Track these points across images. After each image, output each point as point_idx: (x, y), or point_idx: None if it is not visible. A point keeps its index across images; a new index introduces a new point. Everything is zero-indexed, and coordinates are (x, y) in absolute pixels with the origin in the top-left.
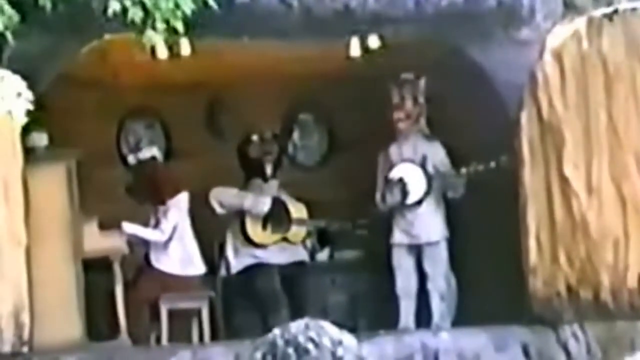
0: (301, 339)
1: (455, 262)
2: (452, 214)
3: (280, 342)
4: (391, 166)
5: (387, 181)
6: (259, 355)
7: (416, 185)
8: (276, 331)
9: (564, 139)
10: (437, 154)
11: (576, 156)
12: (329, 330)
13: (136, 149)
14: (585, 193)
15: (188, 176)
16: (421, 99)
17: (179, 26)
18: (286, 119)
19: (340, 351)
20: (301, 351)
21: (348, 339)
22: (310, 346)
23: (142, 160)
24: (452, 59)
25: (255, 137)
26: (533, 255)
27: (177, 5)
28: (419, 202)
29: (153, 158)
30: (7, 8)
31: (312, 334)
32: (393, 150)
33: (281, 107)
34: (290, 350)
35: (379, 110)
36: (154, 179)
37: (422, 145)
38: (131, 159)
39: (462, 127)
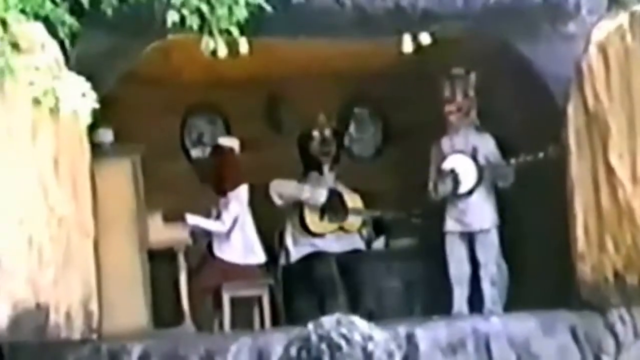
0: (334, 334)
1: (506, 249)
2: (503, 202)
3: (314, 338)
4: (443, 157)
5: (440, 172)
6: (294, 350)
7: (467, 175)
8: (310, 327)
9: (609, 129)
10: (487, 145)
11: (621, 146)
12: (360, 326)
13: (199, 142)
14: (630, 182)
15: (248, 169)
16: (471, 93)
17: (235, 31)
18: (342, 113)
19: (370, 346)
20: (334, 347)
21: (378, 334)
22: (343, 342)
23: (214, 150)
24: (501, 53)
25: (316, 134)
26: (581, 243)
27: (231, 11)
28: (471, 192)
29: (217, 149)
30: (68, 17)
31: (344, 330)
32: (445, 142)
33: (337, 101)
34: (324, 346)
35: (430, 104)
36: (220, 169)
37: (472, 137)
38: (195, 153)
39: (511, 119)
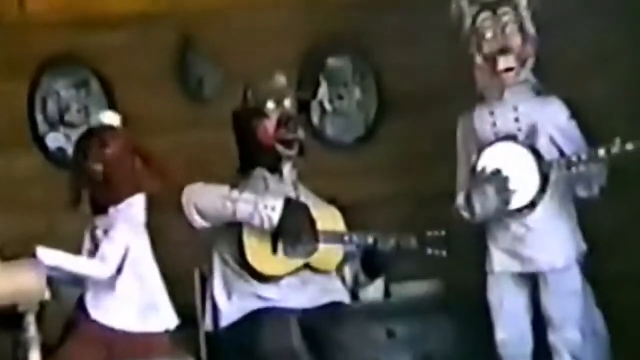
0: None
1: (600, 294)
2: (586, 219)
3: None
4: (480, 145)
5: (475, 172)
6: None
7: (524, 178)
8: None
9: None
10: (558, 123)
11: None
12: None
13: (61, 122)
14: None
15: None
16: (530, 28)
17: None
18: (306, 68)
19: None
20: None
21: None
22: None
23: (87, 134)
24: None
25: (270, 105)
26: None
27: None
28: (531, 206)
29: (93, 133)
30: None
31: None
32: (481, 117)
33: (298, 47)
34: None
35: (452, 49)
36: (85, 163)
37: (530, 109)
38: (53, 140)
39: (597, 77)
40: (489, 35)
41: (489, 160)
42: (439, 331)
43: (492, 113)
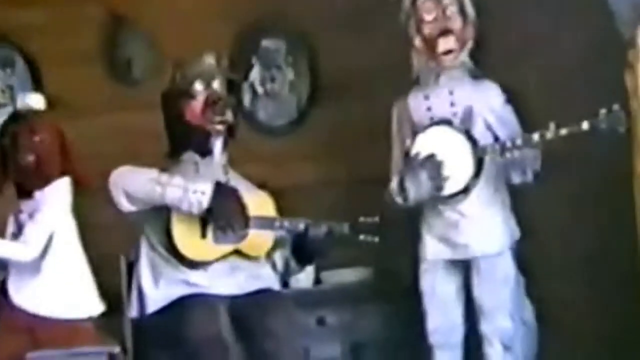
0: None
1: (531, 282)
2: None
3: None
4: (415, 129)
5: (409, 157)
6: None
7: (459, 163)
8: None
9: None
10: (493, 107)
11: None
12: None
13: None
14: None
15: (77, 149)
16: (471, 11)
17: None
18: (240, 49)
19: None
20: None
21: None
22: None
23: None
24: None
25: (198, 87)
26: None
27: None
28: (465, 191)
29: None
30: None
31: None
32: (416, 101)
33: (233, 28)
34: None
35: (388, 33)
36: (22, 151)
37: (466, 93)
38: None
39: (533, 62)
40: (429, 17)
41: (423, 145)
42: (370, 319)
43: (427, 97)
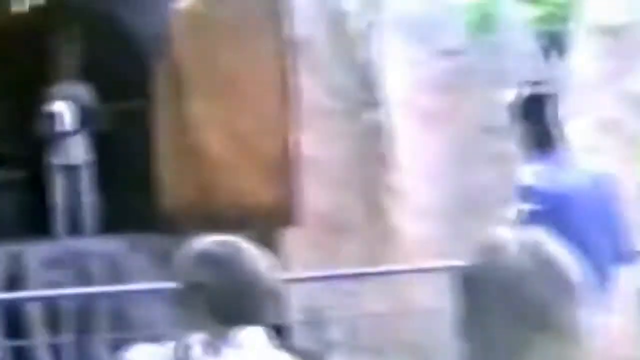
0: None
1: (104, 181)
2: (104, 142)
3: None
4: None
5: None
6: None
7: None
8: None
9: (191, 84)
10: (82, 93)
11: (202, 97)
12: None
13: None
14: (206, 129)
15: None
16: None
17: None
18: None
19: None
20: None
21: None
22: None
23: None
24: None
25: None
26: (164, 178)
27: None
28: (72, 132)
29: None
30: None
31: None
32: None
33: None
34: None
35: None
36: None
37: (72, 87)
38: None
39: (106, 72)
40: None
41: (51, 107)
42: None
43: (56, 90)
